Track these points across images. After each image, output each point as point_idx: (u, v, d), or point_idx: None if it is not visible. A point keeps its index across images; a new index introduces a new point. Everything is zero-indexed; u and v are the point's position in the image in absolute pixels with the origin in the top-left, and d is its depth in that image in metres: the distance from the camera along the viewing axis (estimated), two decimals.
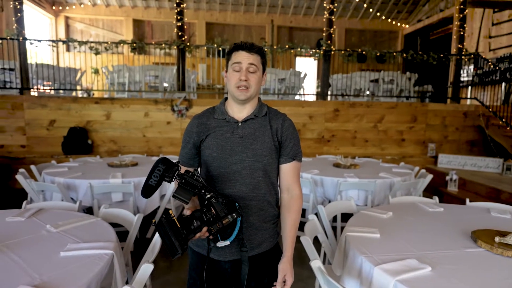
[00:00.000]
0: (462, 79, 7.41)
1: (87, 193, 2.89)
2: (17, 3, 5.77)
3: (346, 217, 2.51)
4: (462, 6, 6.79)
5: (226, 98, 1.44)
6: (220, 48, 6.42)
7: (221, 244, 1.23)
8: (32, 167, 3.40)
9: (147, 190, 1.12)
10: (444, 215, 2.12)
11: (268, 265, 1.38)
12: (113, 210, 2.08)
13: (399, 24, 11.42)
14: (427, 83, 8.08)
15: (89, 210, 3.05)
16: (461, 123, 6.29)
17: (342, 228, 2.49)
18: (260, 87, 1.40)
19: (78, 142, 5.40)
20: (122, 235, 1.96)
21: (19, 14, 5.80)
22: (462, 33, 6.79)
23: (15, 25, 5.81)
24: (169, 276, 2.79)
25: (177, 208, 3.62)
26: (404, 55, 6.60)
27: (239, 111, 1.39)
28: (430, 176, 3.39)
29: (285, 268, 1.30)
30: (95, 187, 2.86)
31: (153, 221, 1.12)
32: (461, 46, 6.78)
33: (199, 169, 1.43)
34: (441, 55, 6.55)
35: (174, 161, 1.17)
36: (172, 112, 5.65)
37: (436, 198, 2.50)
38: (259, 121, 1.39)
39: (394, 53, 6.85)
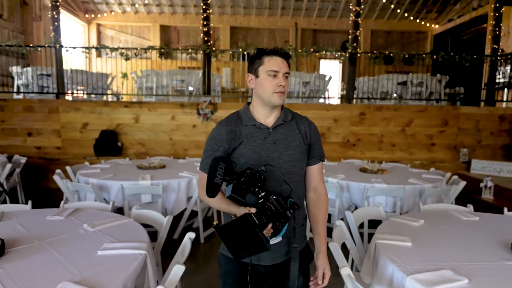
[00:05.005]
0: (497, 80, 7.05)
1: (119, 194, 3.00)
2: (54, 13, 6.11)
3: (373, 223, 2.45)
4: (497, 4, 6.47)
5: (249, 103, 1.44)
6: (245, 52, 6.48)
7: (273, 241, 1.20)
8: (68, 168, 3.58)
9: (213, 189, 1.13)
10: (479, 224, 2.03)
11: (302, 265, 1.39)
12: (144, 211, 2.15)
13: (428, 24, 11.05)
14: (459, 85, 7.76)
15: (119, 210, 3.16)
16: (496, 127, 5.98)
17: (369, 234, 2.44)
18: None
19: (108, 144, 5.62)
20: (150, 235, 2.02)
21: (56, 23, 6.13)
22: (497, 32, 6.47)
23: (53, 33, 6.15)
24: (195, 277, 2.84)
25: (203, 210, 3.68)
26: (435, 56, 6.38)
27: (266, 117, 1.39)
28: (463, 183, 3.26)
29: (323, 263, 1.36)
30: (126, 189, 2.97)
31: (215, 223, 1.14)
32: (496, 46, 6.46)
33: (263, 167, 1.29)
34: (475, 56, 6.28)
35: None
36: (197, 116, 5.76)
37: (471, 206, 2.40)
38: (288, 126, 1.40)
39: (424, 55, 6.64)
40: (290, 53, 6.71)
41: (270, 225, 1.13)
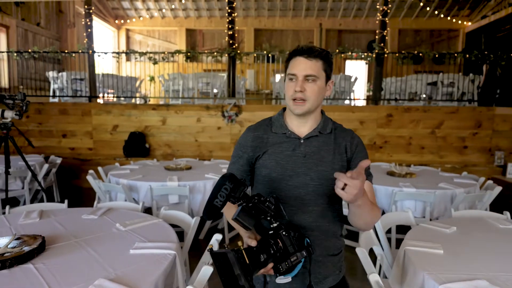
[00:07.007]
0: None
1: (147, 195, 3.10)
2: (87, 20, 6.41)
3: (401, 229, 2.39)
4: None
5: (285, 109, 1.28)
6: (269, 55, 6.50)
7: (281, 280, 1.04)
8: (100, 168, 3.74)
9: (211, 211, 0.95)
10: None
11: None
12: (172, 212, 2.21)
13: (460, 21, 10.60)
14: (493, 85, 7.37)
15: (147, 210, 3.27)
16: None
17: (398, 240, 2.38)
18: (323, 97, 1.21)
19: (137, 146, 5.82)
20: (177, 235, 2.06)
21: (89, 30, 6.43)
22: None
23: (86, 39, 6.46)
24: (218, 279, 2.88)
25: None
26: (467, 55, 6.11)
27: (299, 126, 1.22)
28: (498, 188, 3.10)
29: (363, 180, 0.96)
30: (154, 189, 3.06)
31: (210, 247, 0.97)
32: None
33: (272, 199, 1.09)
34: (511, 54, 5.96)
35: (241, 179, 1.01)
36: (222, 118, 5.84)
37: (507, 213, 2.28)
38: (324, 139, 1.22)
39: (455, 54, 6.37)
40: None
41: (271, 265, 0.98)
